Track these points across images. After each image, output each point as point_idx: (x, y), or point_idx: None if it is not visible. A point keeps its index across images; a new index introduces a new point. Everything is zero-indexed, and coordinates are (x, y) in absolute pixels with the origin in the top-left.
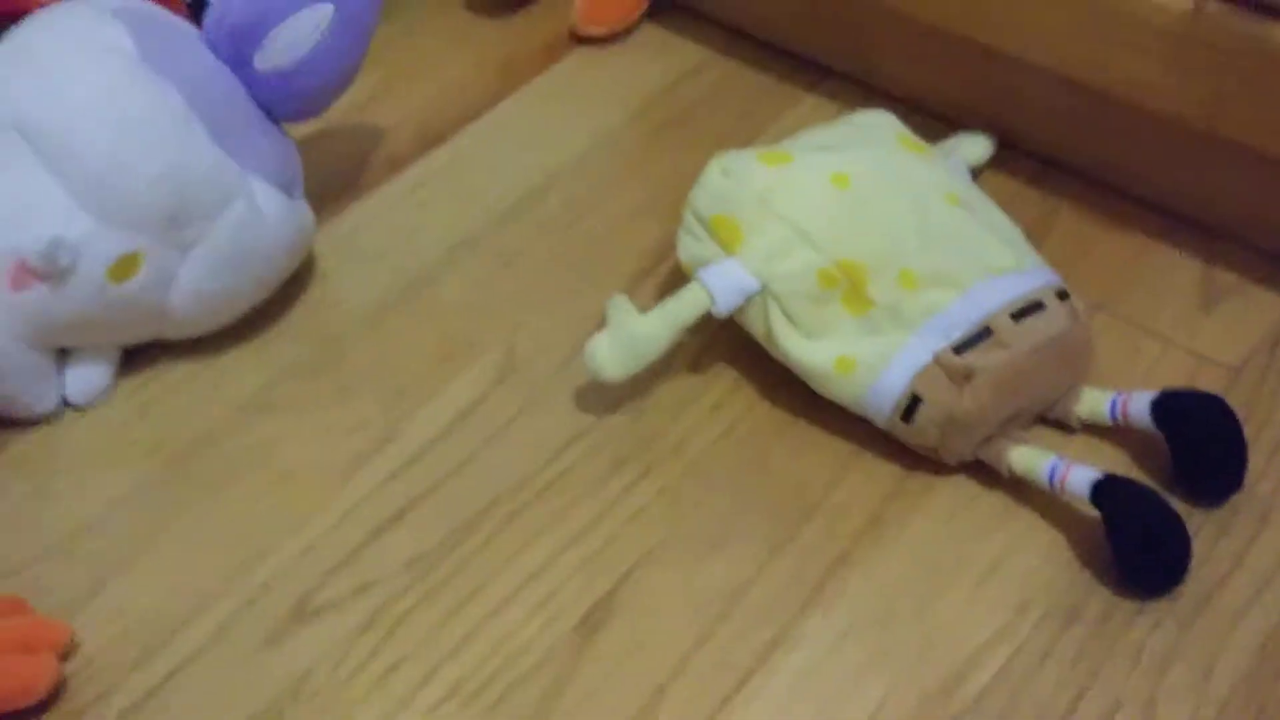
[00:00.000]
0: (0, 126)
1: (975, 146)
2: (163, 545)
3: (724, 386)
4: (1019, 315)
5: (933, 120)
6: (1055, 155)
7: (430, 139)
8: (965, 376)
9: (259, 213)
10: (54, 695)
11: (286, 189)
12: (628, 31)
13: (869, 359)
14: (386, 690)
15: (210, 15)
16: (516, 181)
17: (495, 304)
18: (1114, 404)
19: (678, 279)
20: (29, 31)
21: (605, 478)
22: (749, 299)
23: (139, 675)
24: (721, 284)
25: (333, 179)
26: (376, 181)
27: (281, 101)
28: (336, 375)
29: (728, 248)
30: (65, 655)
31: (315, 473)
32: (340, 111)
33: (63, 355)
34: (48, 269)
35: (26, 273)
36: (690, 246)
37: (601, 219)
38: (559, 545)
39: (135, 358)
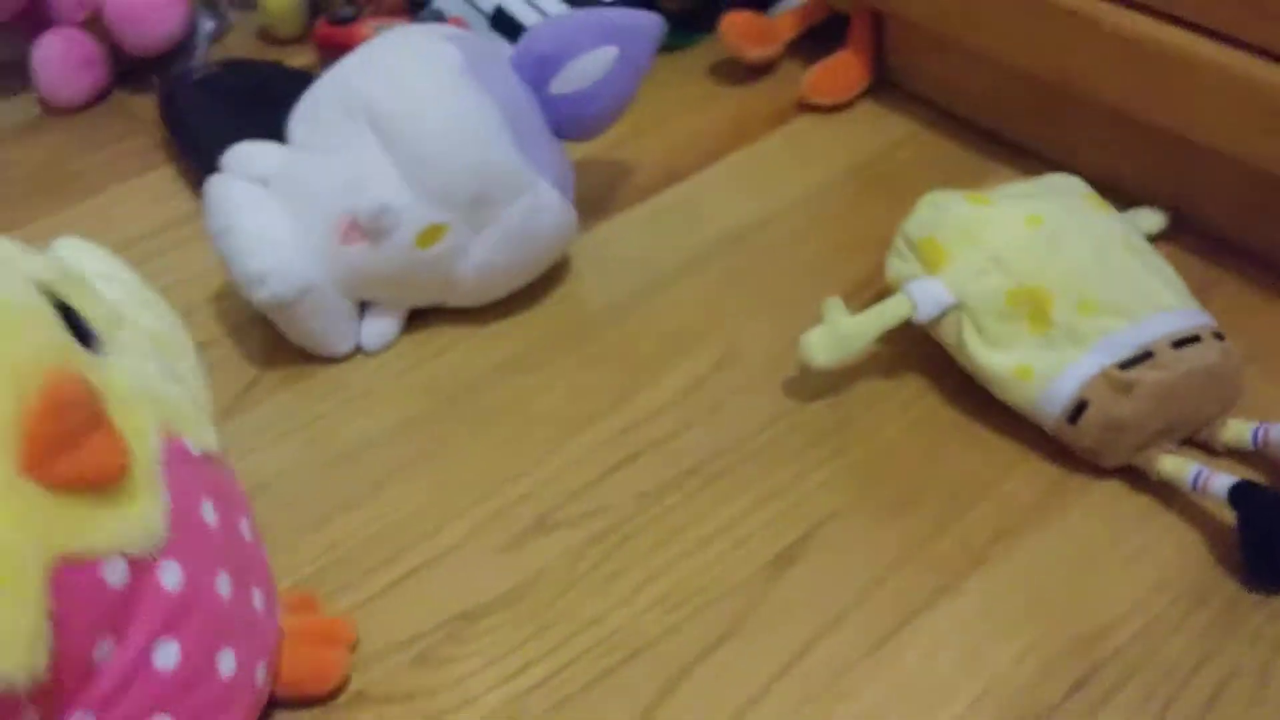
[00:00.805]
0: (353, 113)
1: (1150, 219)
2: (427, 465)
3: (913, 389)
4: (1178, 344)
5: (1112, 195)
6: (1224, 232)
7: (671, 177)
8: (1127, 388)
9: (541, 207)
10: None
11: (563, 193)
12: (849, 104)
13: (1045, 369)
14: (607, 592)
15: (520, 44)
16: (743, 215)
17: (720, 309)
18: (1257, 432)
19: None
20: (380, 45)
21: (802, 451)
22: (945, 311)
23: (389, 568)
24: (924, 296)
25: (589, 199)
26: (624, 206)
27: (566, 121)
28: (582, 351)
29: (931, 268)
30: (353, 649)
31: (561, 422)
32: (601, 146)
33: (362, 308)
34: (373, 229)
35: (355, 230)
36: (898, 266)
37: (815, 250)
38: (760, 498)
39: (418, 319)
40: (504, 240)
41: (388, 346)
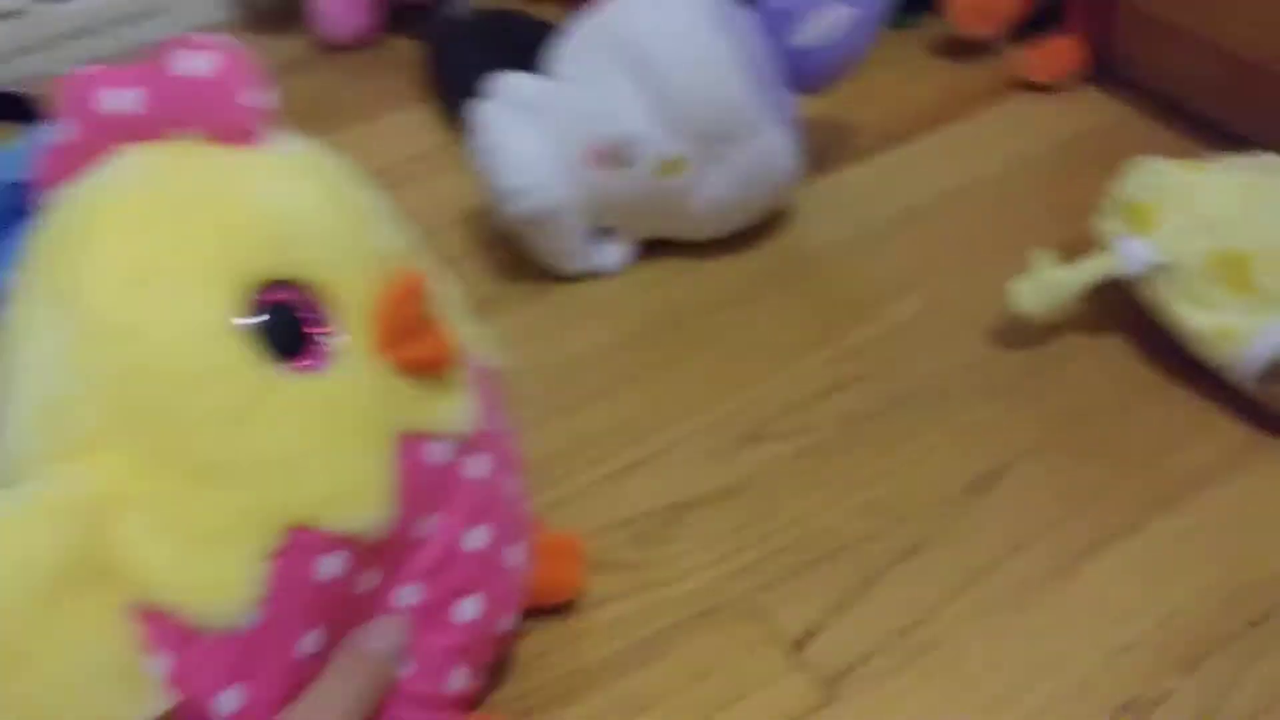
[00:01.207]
0: (611, 49)
1: None
2: (649, 377)
3: (1112, 346)
4: None
5: None
6: None
7: (889, 141)
8: None
9: (773, 150)
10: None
11: (793, 140)
12: (1066, 86)
13: (1245, 329)
14: (810, 498)
15: None
16: (957, 179)
17: (930, 260)
18: None
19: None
20: None
21: (1001, 394)
22: (1151, 270)
23: (613, 460)
24: (1131, 253)
25: (810, 154)
26: (843, 163)
27: (799, 73)
28: (797, 288)
29: (1140, 229)
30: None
31: (773, 349)
32: (824, 106)
33: (598, 233)
34: (620, 156)
35: (604, 156)
36: (1107, 225)
37: (1026, 213)
38: (958, 430)
39: (648, 249)
40: (736, 178)
41: (620, 271)
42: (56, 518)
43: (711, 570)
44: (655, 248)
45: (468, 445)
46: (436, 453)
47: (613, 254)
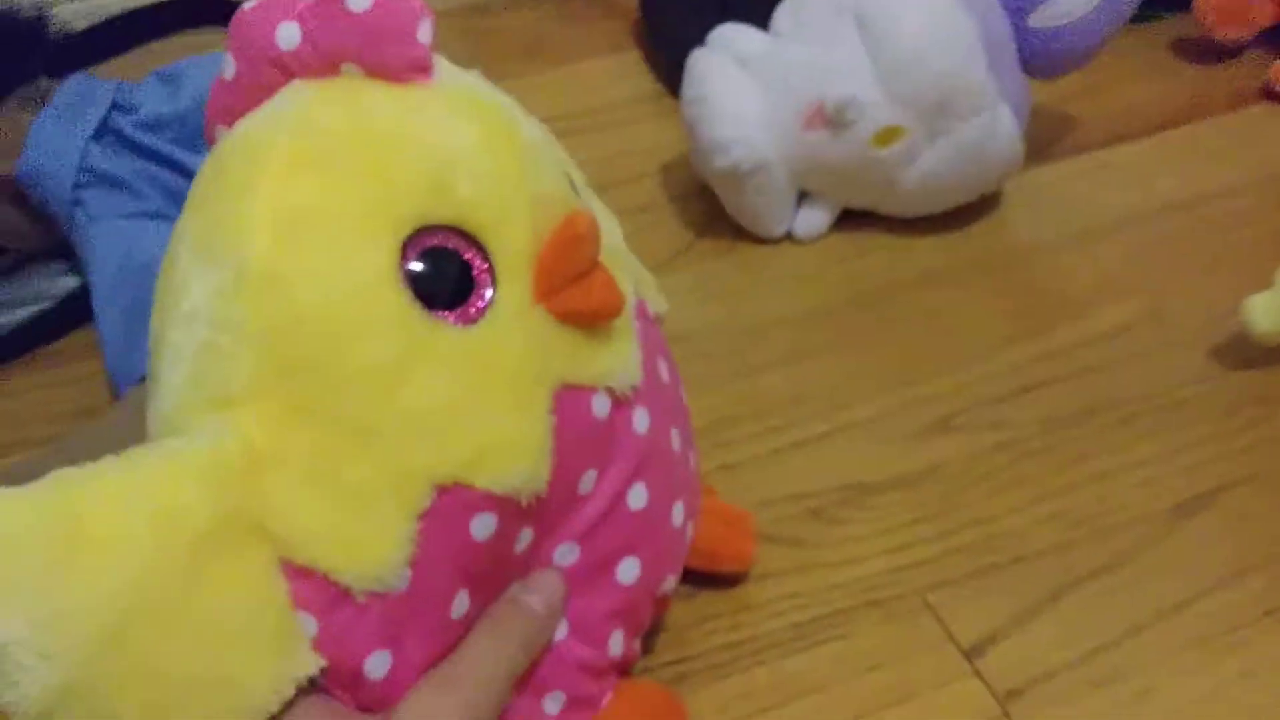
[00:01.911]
0: (841, 9)
1: None
2: (839, 350)
3: None
4: None
5: None
6: None
7: (1117, 138)
8: None
9: (997, 131)
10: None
11: (1019, 122)
12: None
13: None
14: (1002, 497)
15: None
16: (1187, 186)
17: (1153, 267)
18: None
19: None
20: None
21: (1223, 414)
22: None
23: (795, 429)
24: None
25: (1033, 142)
26: (1066, 155)
27: (1035, 56)
28: (1004, 278)
29: None
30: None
31: (975, 337)
32: (1053, 95)
33: (800, 199)
34: (837, 119)
35: (819, 117)
36: None
37: (1263, 231)
38: (1171, 448)
39: (849, 219)
40: (954, 154)
41: (817, 238)
42: (206, 472)
43: (886, 559)
44: (857, 219)
45: (632, 398)
46: (598, 406)
47: (813, 220)
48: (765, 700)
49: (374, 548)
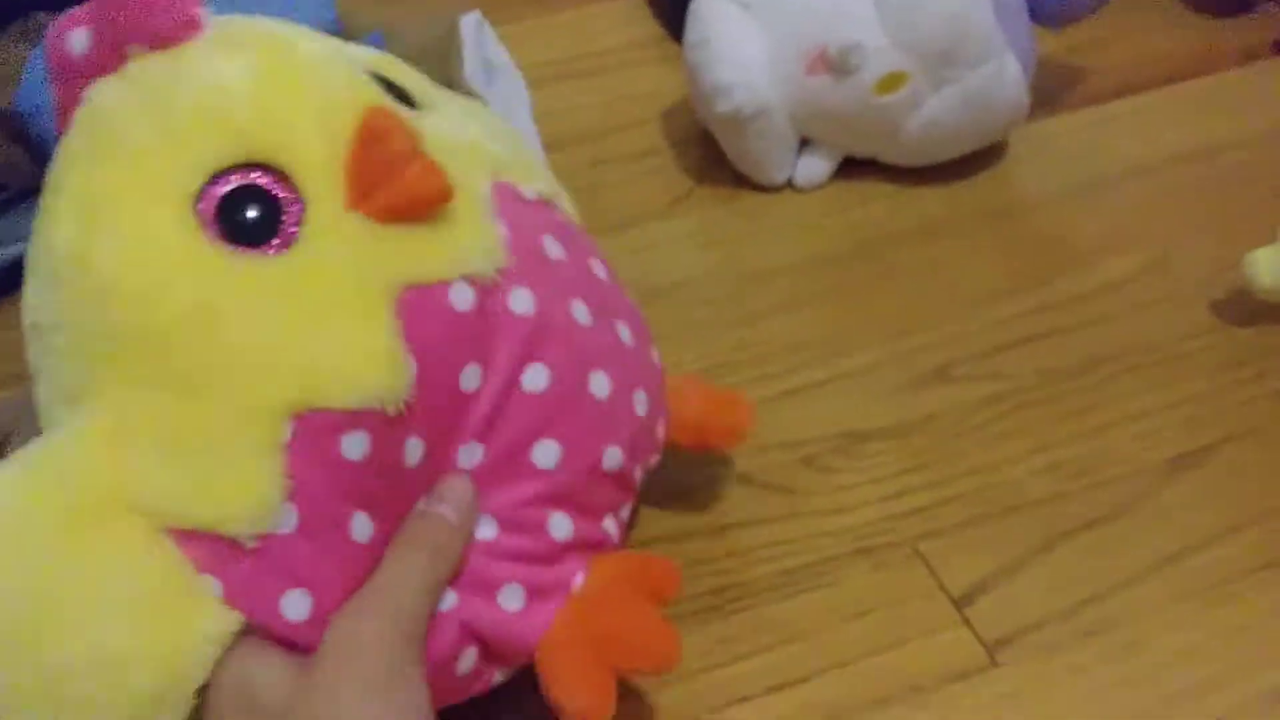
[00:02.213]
0: None
1: None
2: (836, 298)
3: None
4: None
5: None
6: None
7: (1125, 90)
8: None
9: (1003, 79)
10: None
11: (1025, 71)
12: None
13: None
14: (996, 448)
15: None
16: (1195, 139)
17: (1157, 219)
18: None
19: None
20: None
21: (1222, 368)
22: None
23: (789, 377)
24: None
25: (1039, 93)
26: (1073, 107)
27: (1044, 5)
28: (1005, 229)
29: None
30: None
31: (973, 288)
32: (1060, 46)
33: (802, 145)
34: (840, 64)
35: (822, 63)
36: None
37: (1270, 187)
38: (1169, 401)
39: (850, 168)
40: (959, 102)
41: (817, 186)
42: (61, 461)
43: (878, 508)
44: (859, 168)
45: (503, 282)
46: (458, 297)
47: (814, 168)
48: (750, 645)
49: (245, 492)
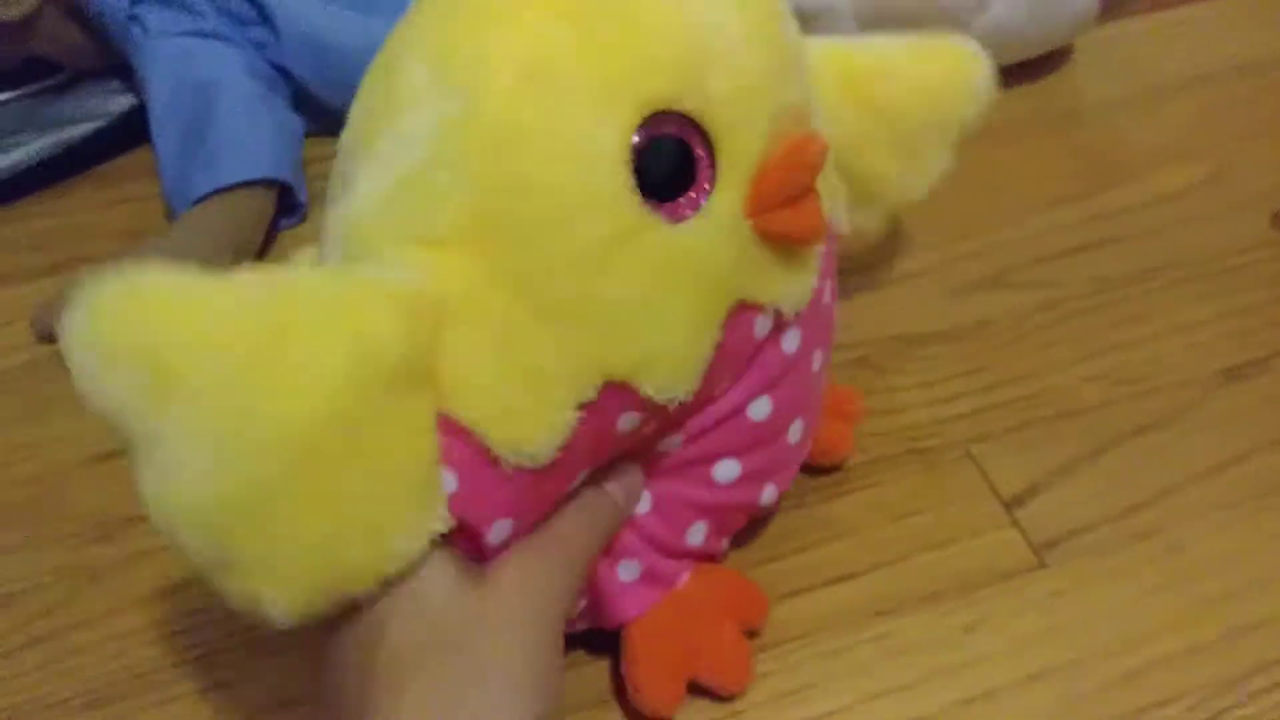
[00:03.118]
0: None
1: None
2: None
3: None
4: None
5: None
6: None
7: None
8: None
9: None
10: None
11: None
12: None
13: None
14: (1048, 354)
15: None
16: (1261, 50)
17: (1219, 129)
18: None
19: None
20: None
21: (1277, 281)
22: None
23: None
24: None
25: None
26: (1139, 11)
27: None
28: (1065, 136)
29: None
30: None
31: (1029, 195)
32: None
33: None
34: None
35: None
36: None
37: None
38: (1224, 311)
39: None
40: (1025, 5)
41: None
42: (404, 309)
43: (930, 410)
44: None
45: (792, 321)
46: (760, 325)
47: None
48: (801, 541)
49: (536, 426)
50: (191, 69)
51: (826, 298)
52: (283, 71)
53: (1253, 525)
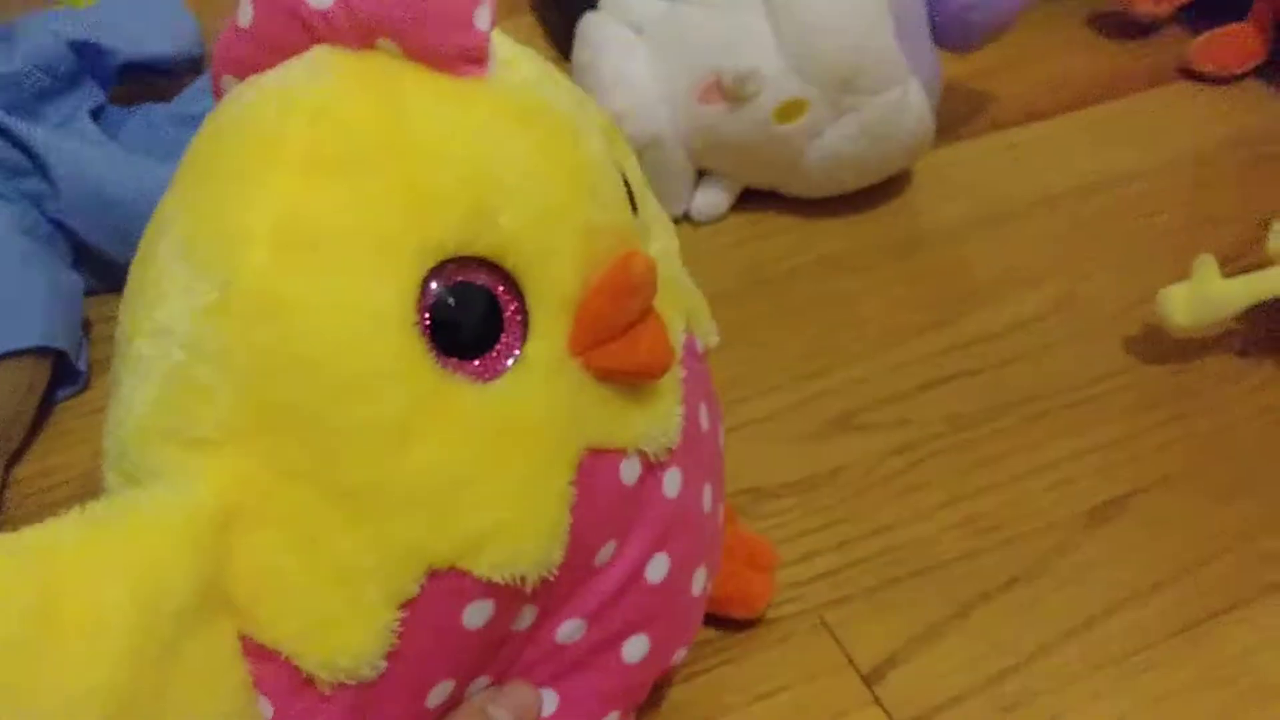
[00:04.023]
0: None
1: None
2: (735, 342)
3: (1266, 374)
4: None
5: None
6: None
7: (1031, 116)
8: None
9: (908, 106)
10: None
11: (929, 98)
12: (1233, 79)
13: None
14: (906, 502)
15: None
16: (1103, 168)
17: (1065, 254)
18: None
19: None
20: None
21: (1136, 412)
22: None
23: None
24: None
25: (943, 120)
26: (978, 133)
27: (948, 27)
28: (909, 264)
29: None
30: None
31: (877, 328)
32: (965, 71)
33: (699, 176)
34: (735, 91)
35: (716, 91)
36: None
37: (1181, 215)
38: (1083, 447)
39: (750, 199)
40: (861, 131)
41: (716, 219)
42: (183, 535)
43: (782, 573)
44: (759, 199)
45: (666, 460)
46: (627, 471)
47: (711, 200)
48: None
49: (349, 636)
50: None
51: (705, 423)
52: (61, 226)
53: (1133, 686)
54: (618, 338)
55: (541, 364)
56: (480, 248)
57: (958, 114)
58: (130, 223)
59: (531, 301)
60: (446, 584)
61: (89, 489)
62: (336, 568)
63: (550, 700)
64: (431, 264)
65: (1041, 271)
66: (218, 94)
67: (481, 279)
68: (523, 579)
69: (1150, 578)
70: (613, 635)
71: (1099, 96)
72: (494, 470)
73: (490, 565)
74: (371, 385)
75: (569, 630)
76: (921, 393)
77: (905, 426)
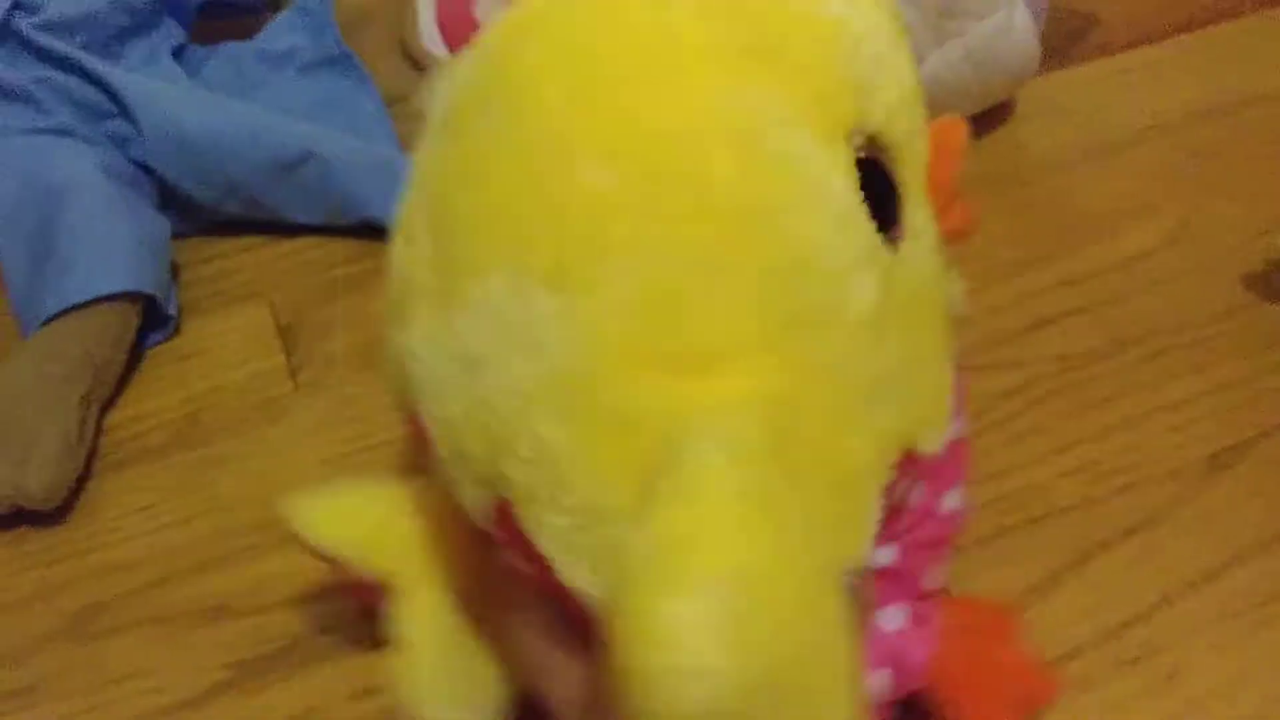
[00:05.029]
0: None
1: None
2: None
3: None
4: None
5: None
6: None
7: (1140, 39)
8: None
9: (1012, 29)
10: None
11: (1036, 21)
12: None
13: None
14: (1016, 449)
15: None
16: (1219, 92)
17: (1180, 182)
18: None
19: None
20: None
21: (1259, 351)
22: None
23: None
24: None
25: (1048, 45)
26: (1085, 58)
27: None
28: (1017, 196)
29: None
30: None
31: (983, 264)
32: None
33: None
34: None
35: None
36: None
37: None
38: (1202, 389)
39: None
40: (964, 57)
41: None
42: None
43: None
44: None
45: None
46: None
47: None
48: None
49: (857, 531)
50: (40, 171)
51: None
52: (146, 169)
53: (1262, 640)
54: (947, 203)
55: (925, 232)
56: (869, 123)
57: (1063, 36)
58: (214, 164)
59: (905, 173)
60: (903, 468)
61: (182, 435)
62: (848, 470)
63: (890, 549)
64: (853, 143)
65: (1154, 203)
66: (453, 46)
67: (870, 153)
68: (934, 455)
69: (1275, 527)
70: (938, 490)
71: (1212, 18)
72: (926, 341)
73: (926, 442)
74: (854, 273)
75: (916, 491)
76: (1031, 332)
77: (1013, 369)
